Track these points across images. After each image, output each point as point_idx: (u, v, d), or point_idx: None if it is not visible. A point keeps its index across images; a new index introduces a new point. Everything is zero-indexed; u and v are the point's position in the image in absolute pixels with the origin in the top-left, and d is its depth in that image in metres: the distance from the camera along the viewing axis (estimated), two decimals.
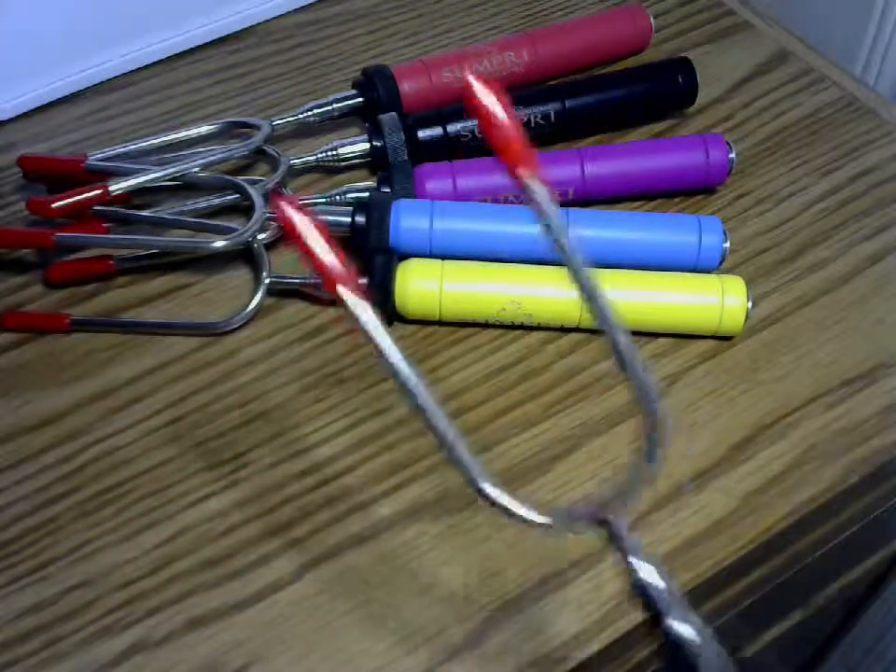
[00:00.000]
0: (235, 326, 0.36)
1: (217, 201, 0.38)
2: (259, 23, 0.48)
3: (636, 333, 0.36)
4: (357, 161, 0.41)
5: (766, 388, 0.35)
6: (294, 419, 0.33)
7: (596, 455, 0.33)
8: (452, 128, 0.40)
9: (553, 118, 0.41)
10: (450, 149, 0.40)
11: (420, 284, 0.34)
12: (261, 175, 0.40)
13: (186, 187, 0.39)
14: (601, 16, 0.46)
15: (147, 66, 0.46)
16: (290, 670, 0.28)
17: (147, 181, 0.37)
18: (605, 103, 0.42)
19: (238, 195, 0.38)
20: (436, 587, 0.29)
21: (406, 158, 0.39)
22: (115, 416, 0.34)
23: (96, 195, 0.36)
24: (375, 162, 0.41)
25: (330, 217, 0.36)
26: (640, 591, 0.22)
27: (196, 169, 0.38)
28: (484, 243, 0.36)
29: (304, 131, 0.43)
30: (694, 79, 0.42)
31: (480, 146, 0.41)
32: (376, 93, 0.41)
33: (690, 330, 0.35)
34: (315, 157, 0.40)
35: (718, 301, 0.34)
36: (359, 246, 0.36)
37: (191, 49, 0.47)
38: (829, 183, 0.41)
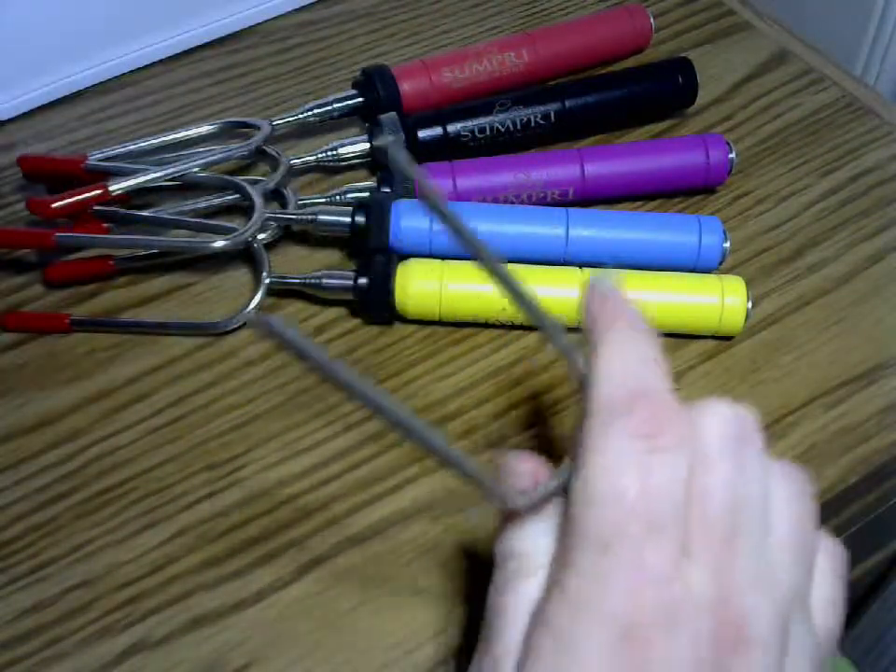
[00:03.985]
0: (235, 326, 0.36)
1: (217, 201, 0.38)
2: (258, 23, 0.48)
3: None
4: (357, 161, 0.41)
5: (766, 388, 0.35)
6: (294, 419, 0.33)
7: None
8: (452, 128, 0.40)
9: (552, 118, 0.41)
10: (450, 149, 0.40)
11: (420, 284, 0.34)
12: (261, 175, 0.40)
13: (186, 187, 0.39)
14: (601, 16, 0.46)
15: (146, 66, 0.46)
16: (290, 670, 0.28)
17: (146, 181, 0.37)
18: (605, 103, 0.42)
19: (238, 195, 0.38)
20: (436, 587, 0.29)
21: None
22: (115, 416, 0.34)
23: (96, 195, 0.36)
24: (375, 162, 0.41)
25: (330, 217, 0.36)
26: None
27: (196, 169, 0.38)
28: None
29: (304, 131, 0.43)
30: (694, 79, 0.42)
31: (480, 146, 0.41)
32: (376, 93, 0.41)
33: (690, 330, 0.35)
34: (314, 157, 0.40)
35: (718, 301, 0.34)
36: (359, 246, 0.36)
37: (191, 48, 0.47)
38: (829, 183, 0.41)
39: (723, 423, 0.22)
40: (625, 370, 0.22)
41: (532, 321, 0.23)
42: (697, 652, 0.20)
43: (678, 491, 0.21)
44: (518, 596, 0.22)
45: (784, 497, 0.23)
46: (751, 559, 0.21)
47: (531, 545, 0.22)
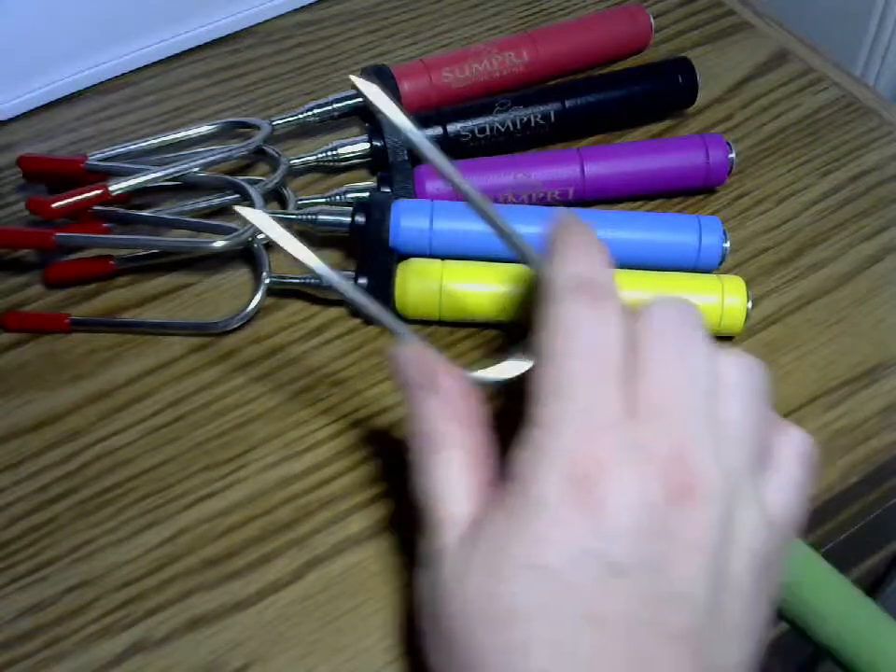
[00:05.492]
0: (235, 326, 0.36)
1: (216, 201, 0.38)
2: (259, 23, 0.48)
3: None
4: (357, 160, 0.41)
5: None
6: (294, 419, 0.33)
7: None
8: (452, 128, 0.40)
9: (552, 118, 0.41)
10: (450, 149, 0.40)
11: (420, 284, 0.34)
12: (261, 175, 0.40)
13: (186, 187, 0.39)
14: (601, 16, 0.46)
15: (146, 66, 0.46)
16: (290, 670, 0.28)
17: (146, 181, 0.37)
18: (605, 103, 0.42)
19: (238, 195, 0.38)
20: None
21: (406, 158, 0.39)
22: (115, 416, 0.34)
23: (96, 195, 0.36)
24: (375, 162, 0.41)
25: (330, 217, 0.36)
26: None
27: (196, 169, 0.38)
28: (484, 243, 0.36)
29: (304, 131, 0.43)
30: (694, 79, 0.42)
31: (480, 146, 0.41)
32: None
33: None
34: (314, 157, 0.40)
35: (718, 301, 0.34)
36: (359, 246, 0.36)
37: (191, 48, 0.47)
38: (829, 183, 0.41)
39: (668, 309, 0.25)
40: (575, 265, 0.25)
41: (513, 250, 0.28)
42: (646, 496, 0.22)
43: (620, 352, 0.24)
44: (437, 469, 0.25)
45: (733, 379, 0.24)
46: (699, 428, 0.23)
47: (434, 424, 0.25)
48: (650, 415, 0.23)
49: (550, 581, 0.22)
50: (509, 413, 0.26)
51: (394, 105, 0.26)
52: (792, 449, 0.26)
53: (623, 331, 0.24)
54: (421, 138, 0.26)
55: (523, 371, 0.28)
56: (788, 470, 0.25)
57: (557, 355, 0.24)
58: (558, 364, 0.23)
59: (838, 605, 0.27)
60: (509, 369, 0.28)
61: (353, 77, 0.26)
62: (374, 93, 0.26)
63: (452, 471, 0.25)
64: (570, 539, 0.22)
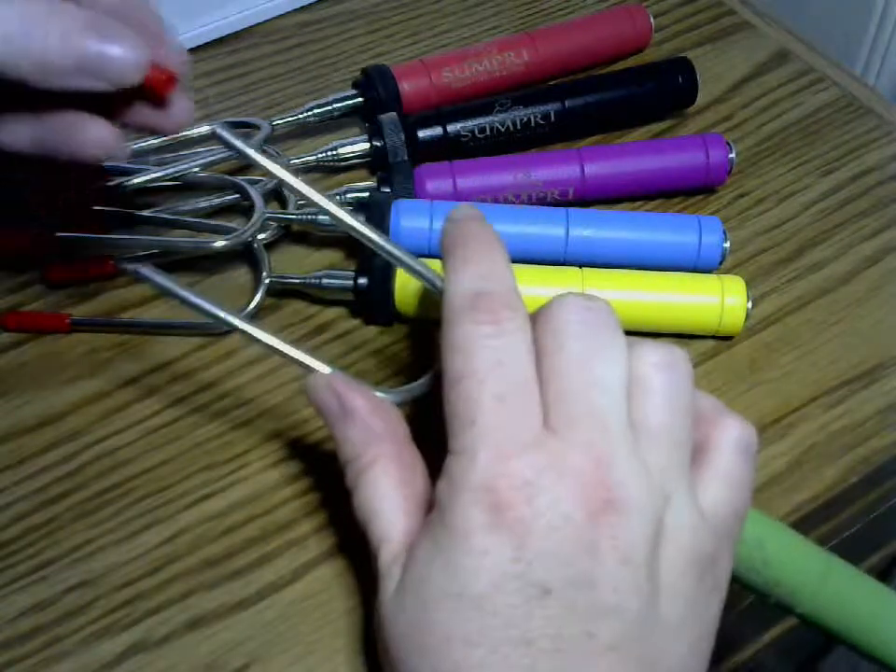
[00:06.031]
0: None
1: (217, 201, 0.38)
2: (258, 23, 0.48)
3: (636, 333, 0.36)
4: (357, 160, 0.41)
5: (766, 388, 0.35)
6: (294, 419, 0.33)
7: None
8: (452, 128, 0.40)
9: (552, 118, 0.41)
10: (450, 149, 0.40)
11: (420, 284, 0.34)
12: (261, 175, 0.40)
13: (186, 187, 0.39)
14: (601, 16, 0.46)
15: None
16: (290, 670, 0.28)
17: (147, 181, 0.37)
18: (605, 103, 0.42)
19: (238, 195, 0.38)
20: None
21: (406, 158, 0.39)
22: (115, 416, 0.34)
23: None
24: (375, 162, 0.41)
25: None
26: None
27: (196, 169, 0.38)
28: None
29: (304, 131, 0.43)
30: (694, 79, 0.42)
31: (480, 146, 0.41)
32: (376, 93, 0.41)
33: (690, 330, 0.35)
34: (314, 157, 0.40)
35: (718, 300, 0.34)
36: (359, 247, 0.36)
37: (191, 48, 0.47)
38: (829, 183, 0.41)
39: (574, 310, 0.24)
40: (470, 278, 0.25)
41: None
42: (564, 515, 0.22)
43: (525, 367, 0.23)
44: (366, 491, 0.26)
45: (651, 375, 0.24)
46: (613, 435, 0.23)
47: (355, 449, 0.26)
48: (562, 428, 0.23)
49: (476, 608, 0.22)
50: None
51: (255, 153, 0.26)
52: (727, 439, 0.25)
53: (527, 343, 0.24)
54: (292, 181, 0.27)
55: (426, 389, 0.28)
56: (723, 462, 0.24)
57: (461, 379, 0.23)
58: (462, 389, 0.23)
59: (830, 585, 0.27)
60: (420, 386, 0.28)
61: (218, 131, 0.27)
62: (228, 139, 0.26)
63: (380, 492, 0.25)
64: (493, 565, 0.22)
